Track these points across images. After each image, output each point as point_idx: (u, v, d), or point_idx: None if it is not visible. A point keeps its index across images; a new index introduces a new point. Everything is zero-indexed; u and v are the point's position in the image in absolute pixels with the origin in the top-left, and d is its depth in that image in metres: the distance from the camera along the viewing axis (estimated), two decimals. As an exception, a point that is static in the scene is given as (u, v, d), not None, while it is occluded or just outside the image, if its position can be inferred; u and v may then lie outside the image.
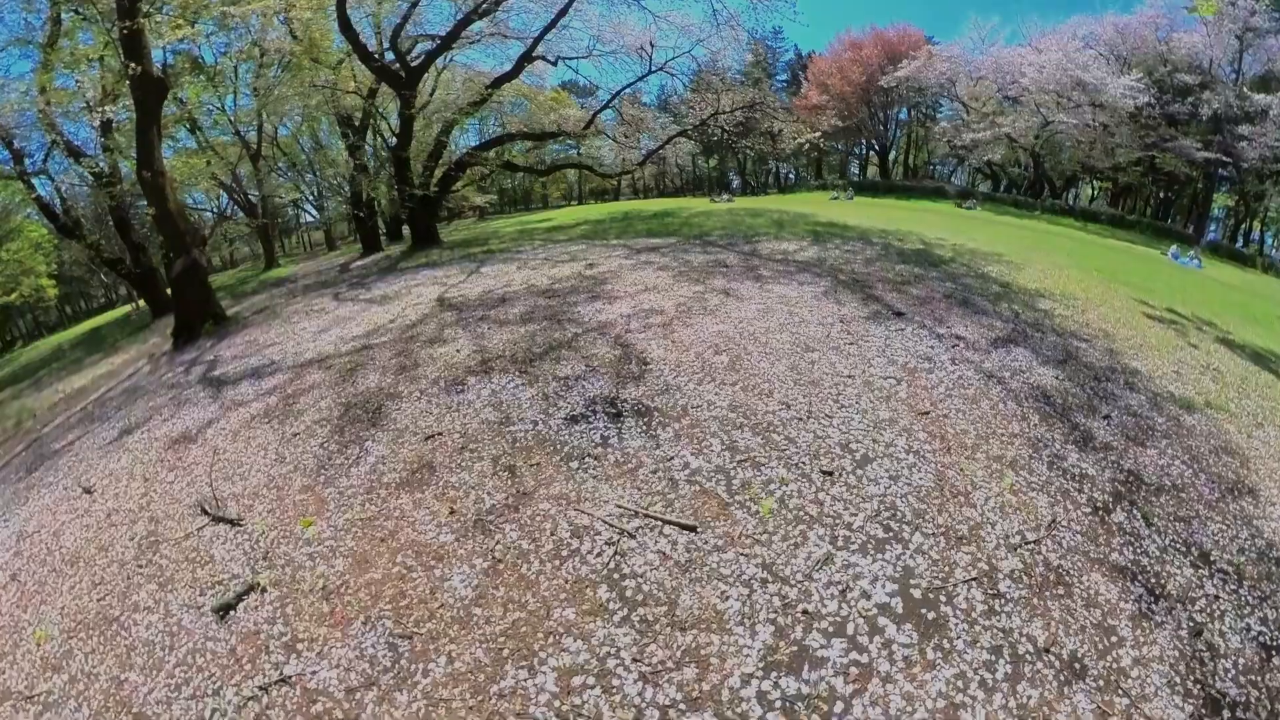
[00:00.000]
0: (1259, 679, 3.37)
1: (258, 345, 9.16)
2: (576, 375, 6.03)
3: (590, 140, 25.14)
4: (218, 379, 8.04)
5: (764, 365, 6.00)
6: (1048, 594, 3.59)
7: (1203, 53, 32.26)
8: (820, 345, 6.46)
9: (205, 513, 4.95)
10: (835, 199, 34.08)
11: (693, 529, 3.99)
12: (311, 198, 34.34)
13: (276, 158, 27.57)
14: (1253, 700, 3.26)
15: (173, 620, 4.00)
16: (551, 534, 4.09)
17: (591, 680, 3.14)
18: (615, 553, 3.87)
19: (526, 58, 18.15)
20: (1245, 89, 30.75)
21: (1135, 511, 4.39)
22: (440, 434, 5.38)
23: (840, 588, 3.51)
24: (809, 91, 45.72)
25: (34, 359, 19.85)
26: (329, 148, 27.97)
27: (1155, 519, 4.35)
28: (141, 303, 21.66)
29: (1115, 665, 3.25)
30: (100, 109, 13.05)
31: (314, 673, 3.42)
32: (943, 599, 3.47)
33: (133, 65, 9.65)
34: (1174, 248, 24.44)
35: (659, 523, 4.07)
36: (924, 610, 3.40)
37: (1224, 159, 31.92)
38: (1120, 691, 3.14)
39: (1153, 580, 3.84)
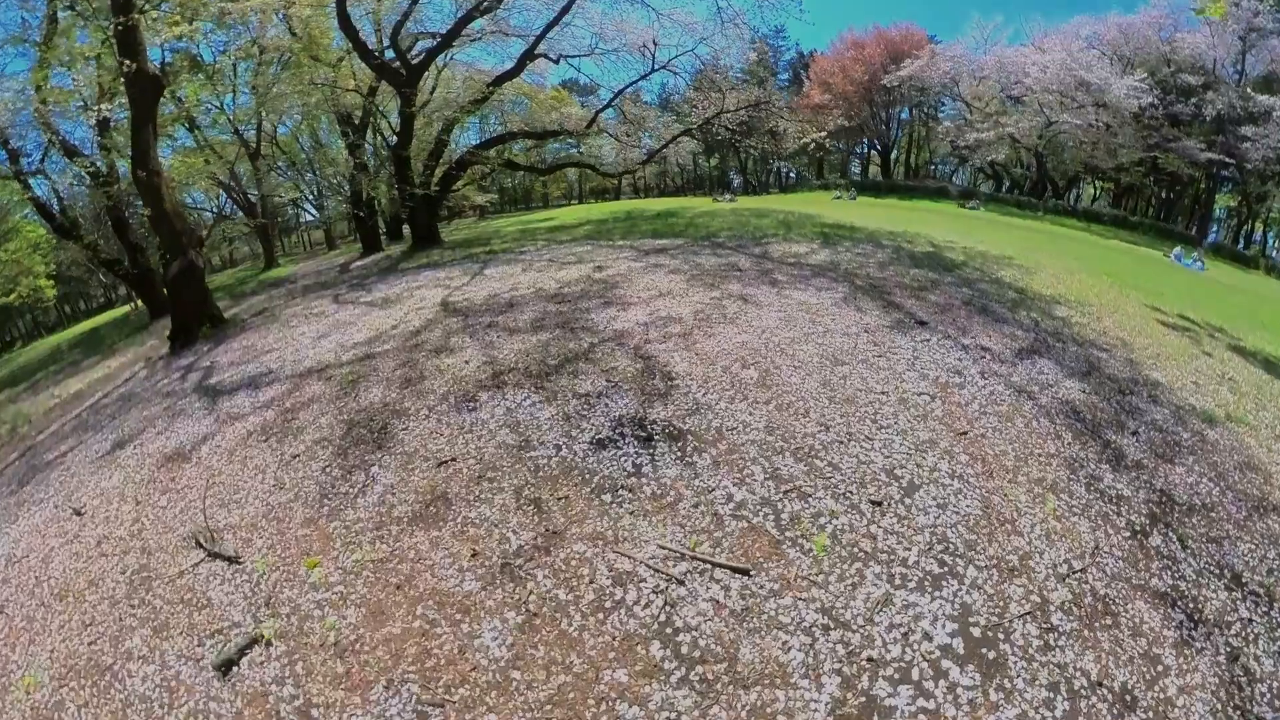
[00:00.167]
0: (1295, 702, 3.31)
1: (255, 351, 8.91)
2: (598, 392, 5.73)
3: (592, 139, 24.95)
4: (213, 388, 7.79)
5: (795, 380, 5.73)
6: (1097, 625, 3.51)
7: (1206, 53, 32.24)
8: (849, 358, 6.23)
9: (200, 546, 4.60)
10: (838, 199, 34.01)
11: (745, 572, 3.68)
12: (311, 197, 34.13)
13: (276, 156, 27.32)
14: (1290, 724, 3.21)
15: (170, 673, 3.72)
16: (590, 581, 3.74)
17: (654, 753, 2.88)
18: (665, 602, 3.54)
19: (529, 55, 17.98)
20: (1249, 90, 30.73)
21: (1171, 534, 4.31)
22: (454, 459, 5.00)
23: (902, 630, 3.35)
24: (811, 91, 45.76)
25: (32, 360, 19.63)
26: (329, 146, 27.79)
27: (1189, 541, 4.27)
28: (140, 303, 21.45)
29: (1163, 695, 3.22)
30: (97, 107, 12.82)
31: (334, 747, 3.10)
32: (1000, 636, 3.36)
33: (127, 62, 9.44)
34: (1177, 249, 24.36)
35: (708, 566, 3.74)
36: (984, 650, 3.28)
37: (1227, 160, 31.94)
38: (1169, 721, 3.07)
39: (1191, 606, 3.78)
